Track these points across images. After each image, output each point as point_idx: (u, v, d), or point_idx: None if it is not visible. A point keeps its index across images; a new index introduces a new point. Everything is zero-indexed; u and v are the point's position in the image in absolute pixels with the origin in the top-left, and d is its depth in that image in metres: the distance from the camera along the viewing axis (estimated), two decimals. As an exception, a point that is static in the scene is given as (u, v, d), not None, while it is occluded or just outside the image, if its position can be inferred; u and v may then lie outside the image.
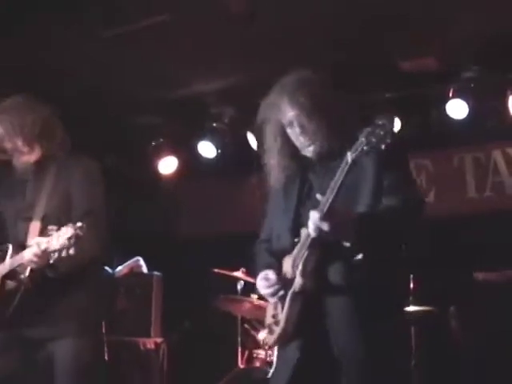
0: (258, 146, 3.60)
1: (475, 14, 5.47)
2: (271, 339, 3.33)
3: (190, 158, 7.70)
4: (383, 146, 3.00)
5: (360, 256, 3.11)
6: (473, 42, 5.87)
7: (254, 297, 5.89)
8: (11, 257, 3.86)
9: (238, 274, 6.09)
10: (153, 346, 6.42)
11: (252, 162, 7.55)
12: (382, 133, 2.99)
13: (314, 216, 3.05)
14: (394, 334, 3.20)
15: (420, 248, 5.90)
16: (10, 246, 3.92)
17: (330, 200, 3.05)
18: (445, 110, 6.64)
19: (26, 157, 4.03)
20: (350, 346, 3.13)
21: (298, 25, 5.62)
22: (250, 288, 6.01)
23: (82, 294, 3.91)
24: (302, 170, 3.44)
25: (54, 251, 3.51)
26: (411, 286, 5.61)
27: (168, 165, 7.76)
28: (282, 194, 3.49)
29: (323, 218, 3.02)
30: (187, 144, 7.62)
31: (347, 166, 3.05)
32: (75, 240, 3.45)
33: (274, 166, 3.47)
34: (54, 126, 4.08)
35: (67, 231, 3.47)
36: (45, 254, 3.58)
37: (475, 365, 5.73)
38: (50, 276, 3.78)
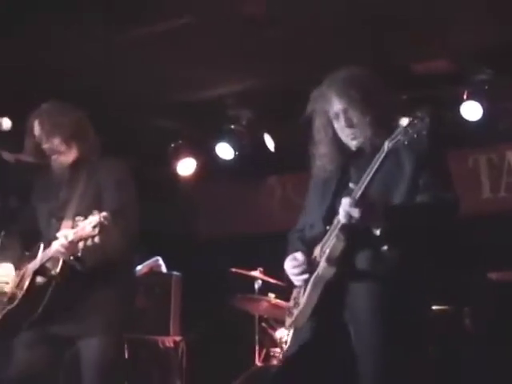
0: (307, 138, 3.63)
1: (487, 16, 5.51)
2: (289, 321, 3.38)
3: (208, 160, 7.74)
4: (420, 139, 3.05)
5: (386, 247, 3.16)
6: (485, 44, 5.90)
7: (272, 296, 5.94)
8: (42, 253, 3.96)
9: (256, 273, 6.15)
10: (172, 345, 6.47)
11: (269, 163, 7.68)
12: (419, 125, 3.04)
13: (345, 202, 3.10)
14: (414, 328, 3.20)
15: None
16: (42, 245, 4.01)
17: (363, 187, 3.10)
18: (459, 111, 6.65)
19: (64, 157, 4.13)
20: (369, 335, 3.15)
21: (314, 28, 5.66)
22: (268, 287, 6.08)
23: (110, 292, 3.98)
24: (343, 163, 3.47)
25: (80, 240, 3.61)
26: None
27: (186, 166, 7.81)
28: (322, 185, 3.53)
29: (354, 204, 3.07)
30: (205, 146, 7.67)
31: (383, 154, 3.10)
32: (100, 228, 3.53)
33: (323, 155, 3.50)
34: (86, 128, 4.21)
35: (92, 220, 3.55)
36: (72, 244, 3.68)
37: (489, 364, 5.74)
38: (78, 269, 3.85)
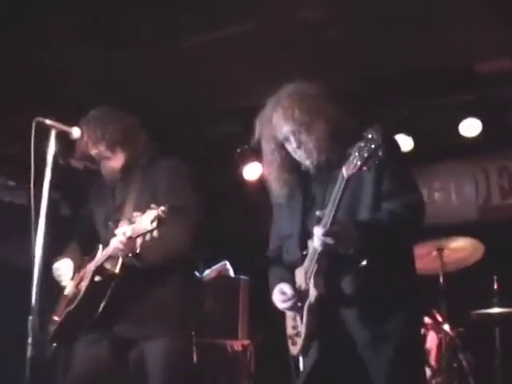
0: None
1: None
2: (295, 350, 3.42)
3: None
4: (376, 161, 3.02)
5: (364, 262, 3.18)
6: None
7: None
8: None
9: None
10: (240, 348, 6.49)
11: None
12: (372, 146, 3.00)
13: (318, 232, 3.12)
14: (405, 333, 3.23)
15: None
16: (101, 246, 4.05)
17: (331, 215, 3.11)
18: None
19: (112, 162, 4.19)
20: (365, 346, 3.20)
21: (373, 33, 5.66)
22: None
23: (173, 292, 4.00)
24: (303, 182, 3.47)
25: (138, 235, 3.58)
26: (495, 287, 5.60)
27: (252, 171, 7.85)
28: (286, 206, 3.55)
29: (327, 233, 3.10)
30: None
31: (344, 183, 3.09)
32: (158, 222, 3.48)
33: (274, 180, 3.52)
34: (134, 134, 4.22)
35: (150, 214, 3.51)
36: (130, 240, 3.67)
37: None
38: (137, 266, 3.87)
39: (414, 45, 5.81)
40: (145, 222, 3.53)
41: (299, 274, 3.35)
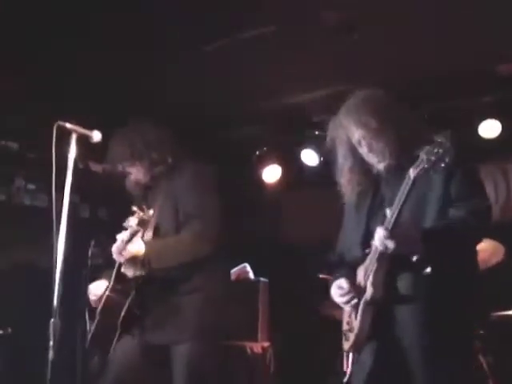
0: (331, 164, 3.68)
1: None
2: (347, 345, 3.43)
3: (293, 166, 7.78)
4: (443, 165, 3.07)
5: (429, 269, 3.18)
6: None
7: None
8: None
9: (343, 279, 6.12)
10: (260, 351, 6.49)
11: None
12: (440, 151, 3.05)
13: (379, 233, 3.15)
14: (463, 341, 3.24)
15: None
16: None
17: (394, 217, 3.14)
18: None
19: (133, 176, 4.27)
20: (418, 352, 3.19)
21: (394, 35, 5.65)
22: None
23: (197, 297, 4.03)
24: (374, 184, 3.52)
25: (130, 238, 3.69)
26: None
27: (272, 173, 7.86)
28: (355, 208, 3.59)
29: (388, 235, 3.12)
30: (290, 152, 7.71)
31: (410, 183, 3.13)
32: (139, 223, 3.66)
33: (346, 183, 3.58)
34: (159, 150, 4.28)
35: (136, 217, 3.67)
36: (123, 244, 3.78)
37: None
38: (146, 270, 3.90)
39: (435, 46, 5.80)
40: (132, 225, 3.68)
41: (360, 272, 3.38)
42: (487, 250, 5.77)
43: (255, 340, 6.54)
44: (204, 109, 6.77)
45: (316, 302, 6.09)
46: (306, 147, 7.48)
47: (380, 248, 3.18)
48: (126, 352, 4.07)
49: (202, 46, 5.80)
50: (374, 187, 3.53)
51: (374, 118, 3.39)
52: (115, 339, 4.07)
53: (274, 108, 7.04)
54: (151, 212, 3.85)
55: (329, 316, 6.18)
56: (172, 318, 3.99)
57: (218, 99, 6.65)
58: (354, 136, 3.46)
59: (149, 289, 3.98)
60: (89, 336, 4.12)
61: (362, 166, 3.53)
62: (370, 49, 5.81)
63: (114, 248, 3.85)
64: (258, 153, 7.81)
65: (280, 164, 7.82)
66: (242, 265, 6.93)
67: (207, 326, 4.06)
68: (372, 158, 3.47)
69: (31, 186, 6.98)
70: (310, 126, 7.40)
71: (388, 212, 3.21)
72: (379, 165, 3.46)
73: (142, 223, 3.82)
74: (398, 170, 3.36)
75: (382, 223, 3.20)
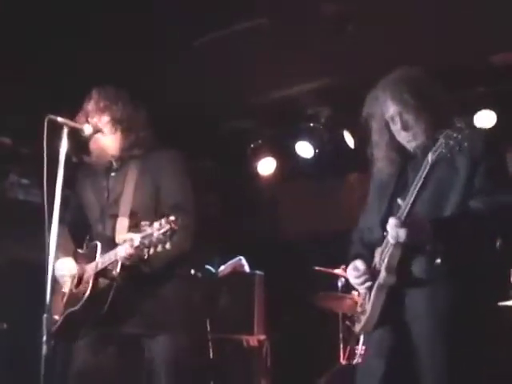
0: (364, 140, 3.61)
1: None
2: (358, 327, 3.44)
3: (288, 159, 7.76)
4: (459, 149, 3.04)
5: (439, 260, 3.14)
6: None
7: (355, 293, 5.90)
8: (102, 254, 3.88)
9: (339, 271, 6.12)
10: (256, 344, 6.51)
11: (349, 160, 7.65)
12: (459, 136, 3.02)
13: (391, 223, 3.12)
14: (474, 328, 3.17)
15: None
16: (99, 244, 3.95)
17: (408, 207, 3.11)
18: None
19: (107, 141, 4.07)
20: (430, 335, 3.16)
21: (387, 27, 5.64)
22: (351, 285, 6.04)
23: (172, 290, 3.95)
24: (402, 164, 3.47)
25: (149, 246, 3.48)
26: (511, 280, 5.54)
27: (267, 166, 7.84)
28: (380, 187, 3.54)
29: (400, 225, 3.09)
30: (285, 145, 7.69)
31: (427, 168, 3.11)
32: (171, 234, 3.42)
33: (382, 158, 3.50)
34: (138, 120, 4.14)
35: (162, 226, 3.43)
36: (138, 250, 3.56)
37: None
38: (145, 271, 3.80)
39: (430, 37, 5.79)
40: (156, 233, 3.45)
41: (377, 254, 3.35)
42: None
43: (251, 333, 6.54)
44: (198, 104, 6.74)
45: (312, 295, 6.09)
46: (300, 139, 7.45)
47: (391, 240, 3.16)
48: (99, 344, 3.99)
49: (192, 42, 5.80)
50: (402, 168, 3.47)
51: (412, 95, 3.32)
52: (86, 330, 4.00)
53: (268, 100, 7.02)
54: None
55: (325, 308, 6.19)
56: (150, 309, 3.91)
57: (211, 94, 6.63)
58: (388, 111, 3.40)
59: (128, 282, 3.87)
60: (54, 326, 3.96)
61: (396, 144, 3.46)
62: (363, 40, 5.78)
63: (125, 252, 3.68)
64: (252, 146, 7.79)
65: (275, 156, 7.81)
66: (237, 258, 6.93)
67: (180, 318, 3.98)
68: (404, 137, 3.40)
69: (25, 181, 6.95)
70: (304, 119, 7.39)
71: (400, 202, 3.18)
72: (410, 144, 3.39)
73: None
74: (425, 153, 3.28)
75: (397, 211, 3.17)
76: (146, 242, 3.49)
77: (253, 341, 6.50)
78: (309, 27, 5.63)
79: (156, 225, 3.46)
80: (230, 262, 6.91)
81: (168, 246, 3.46)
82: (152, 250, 3.50)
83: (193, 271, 5.76)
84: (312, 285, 6.31)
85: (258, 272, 6.77)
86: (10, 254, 6.46)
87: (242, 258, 6.94)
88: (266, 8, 5.42)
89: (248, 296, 6.62)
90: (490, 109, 6.71)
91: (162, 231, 3.43)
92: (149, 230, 3.48)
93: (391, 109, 3.39)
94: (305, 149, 7.47)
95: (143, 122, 4.17)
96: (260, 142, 7.78)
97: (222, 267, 6.96)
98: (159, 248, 3.47)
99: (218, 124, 7.53)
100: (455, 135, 3.04)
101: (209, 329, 6.26)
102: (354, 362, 3.21)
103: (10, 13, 5.13)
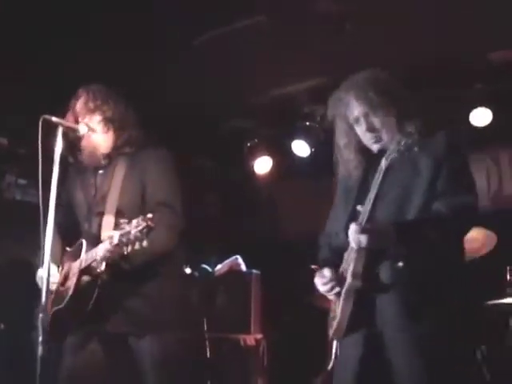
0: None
1: None
2: (330, 332, 3.41)
3: (284, 158, 7.77)
4: (412, 154, 3.07)
5: (400, 264, 3.15)
6: None
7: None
8: (86, 252, 3.88)
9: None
10: (253, 343, 6.50)
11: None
12: (409, 141, 3.04)
13: (352, 229, 3.13)
14: (444, 331, 3.17)
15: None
16: (84, 242, 3.95)
17: (367, 212, 3.13)
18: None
19: (98, 139, 4.04)
20: (399, 343, 3.16)
21: (389, 23, 5.63)
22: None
23: (159, 288, 3.93)
24: (367, 167, 3.45)
25: (127, 244, 3.49)
26: (508, 277, 5.56)
27: (263, 165, 7.85)
28: (346, 190, 3.53)
29: (360, 231, 3.10)
30: (281, 144, 7.69)
31: (381, 174, 3.12)
32: (147, 231, 3.43)
33: (346, 161, 3.49)
34: (128, 118, 4.13)
35: (139, 224, 3.44)
36: (117, 247, 3.56)
37: None
38: (125, 268, 3.79)
39: (426, 34, 5.78)
40: (134, 231, 3.46)
41: (344, 259, 3.34)
42: (479, 239, 5.78)
43: (248, 332, 6.54)
44: (198, 104, 6.74)
45: (309, 294, 6.08)
46: (296, 138, 7.45)
47: (353, 245, 3.16)
48: (85, 343, 3.98)
49: (191, 41, 5.80)
50: (366, 172, 3.45)
51: (377, 95, 3.32)
52: (73, 329, 3.99)
53: (264, 99, 7.02)
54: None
55: (322, 308, 6.18)
56: (135, 308, 3.91)
57: (210, 93, 6.63)
58: (353, 113, 3.39)
59: (113, 280, 3.86)
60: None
61: (360, 146, 3.46)
62: (359, 37, 5.77)
63: (104, 251, 3.69)
64: (248, 144, 7.79)
65: (271, 155, 7.81)
66: (234, 257, 6.93)
67: (167, 317, 3.96)
68: (369, 138, 3.39)
69: (22, 182, 6.95)
70: (300, 117, 7.39)
71: (360, 208, 3.18)
72: (374, 146, 3.39)
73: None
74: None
75: (358, 217, 3.18)
76: (124, 239, 3.49)
77: (250, 340, 6.49)
78: (308, 27, 5.63)
79: (134, 222, 3.47)
80: (226, 261, 6.91)
81: (145, 243, 3.46)
82: (130, 248, 3.51)
83: (189, 270, 5.80)
84: (310, 284, 6.30)
85: (254, 271, 6.78)
86: (8, 254, 6.46)
87: (238, 257, 6.94)
88: (266, 7, 5.43)
89: (245, 295, 6.63)
90: (486, 106, 6.72)
91: (139, 229, 3.44)
92: (127, 228, 3.49)
93: (356, 110, 3.37)
94: (301, 147, 7.47)
95: (134, 120, 4.17)
96: (256, 140, 7.78)
97: (219, 266, 6.97)
98: (136, 246, 3.48)
99: (217, 124, 7.54)
100: (404, 140, 3.05)
101: (205, 328, 6.27)
102: (329, 367, 3.21)
103: (10, 13, 5.13)
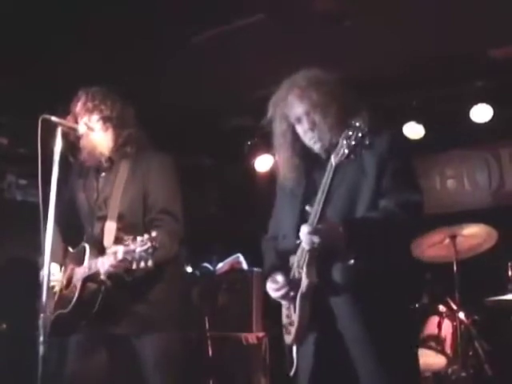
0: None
1: None
2: (289, 339, 3.36)
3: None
4: (363, 150, 3.02)
5: (352, 261, 3.13)
6: None
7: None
8: (90, 259, 3.89)
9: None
10: (255, 341, 6.50)
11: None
12: (359, 134, 2.99)
13: (303, 230, 3.09)
14: (397, 328, 3.18)
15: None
16: (88, 247, 3.96)
17: (318, 213, 3.09)
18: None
19: (98, 138, 4.05)
20: (356, 341, 3.16)
21: (385, 21, 5.62)
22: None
23: (161, 290, 3.95)
24: (309, 168, 3.42)
25: (132, 262, 3.47)
26: (509, 273, 5.55)
27: (263, 163, 7.85)
28: (289, 192, 3.50)
29: (312, 232, 3.07)
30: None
31: (331, 172, 3.08)
32: (152, 251, 3.43)
33: (283, 163, 3.48)
34: (127, 118, 4.14)
35: (144, 243, 3.44)
36: (121, 263, 3.58)
37: None
38: (127, 280, 3.81)
39: (427, 31, 5.77)
40: (138, 249, 3.45)
41: (295, 262, 3.31)
42: (480, 235, 5.77)
43: (250, 330, 6.54)
44: (197, 102, 6.74)
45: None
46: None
47: (305, 246, 3.13)
48: (88, 344, 3.99)
49: (190, 36, 5.79)
50: (308, 171, 3.43)
51: (319, 94, 3.29)
52: (75, 330, 4.00)
53: (264, 97, 7.01)
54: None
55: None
56: (135, 309, 3.92)
57: (208, 92, 6.63)
58: (295, 112, 3.35)
59: (116, 285, 3.89)
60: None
61: (300, 147, 3.42)
62: (360, 35, 5.78)
63: (108, 266, 3.71)
64: (249, 143, 7.78)
65: (271, 153, 7.78)
66: (235, 255, 6.93)
67: (170, 317, 3.98)
68: (310, 138, 3.36)
69: (23, 182, 6.95)
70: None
71: (308, 208, 3.15)
72: (316, 145, 3.35)
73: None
74: (329, 156, 3.24)
75: (307, 219, 3.15)
76: (129, 257, 3.49)
77: (252, 338, 6.49)
78: (308, 25, 5.62)
79: (138, 241, 3.46)
80: (227, 260, 6.91)
81: (150, 263, 3.45)
82: (135, 266, 3.49)
83: (190, 269, 5.80)
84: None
85: (255, 269, 6.76)
86: (9, 254, 6.47)
87: (239, 255, 6.95)
88: (266, 7, 5.42)
89: (246, 293, 6.63)
90: (487, 103, 6.71)
91: (144, 248, 3.44)
92: (132, 246, 3.48)
93: (299, 109, 3.35)
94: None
95: (134, 119, 4.17)
96: (256, 139, 7.77)
97: (220, 265, 6.97)
98: (142, 265, 3.46)
99: (218, 122, 7.53)
100: (355, 134, 3.00)
101: (207, 327, 6.27)
102: (291, 373, 3.22)
103: (10, 13, 5.14)
